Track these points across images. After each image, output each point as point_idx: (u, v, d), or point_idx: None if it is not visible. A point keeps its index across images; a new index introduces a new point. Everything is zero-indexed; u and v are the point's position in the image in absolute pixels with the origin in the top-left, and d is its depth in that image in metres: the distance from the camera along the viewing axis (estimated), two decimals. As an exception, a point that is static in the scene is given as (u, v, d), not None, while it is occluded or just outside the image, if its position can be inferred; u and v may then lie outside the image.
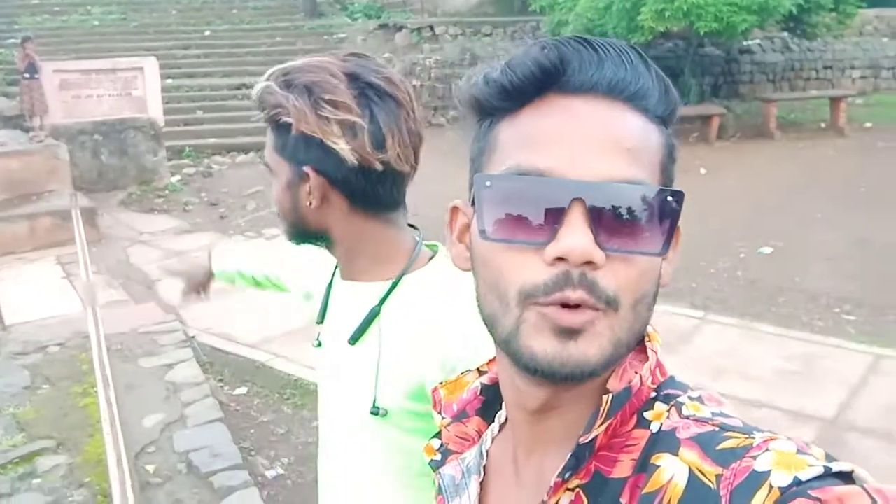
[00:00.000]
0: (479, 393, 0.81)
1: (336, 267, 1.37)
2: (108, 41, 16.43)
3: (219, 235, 9.20)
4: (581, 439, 0.64)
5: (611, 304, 0.62)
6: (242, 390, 5.33)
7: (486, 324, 0.68)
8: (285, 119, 1.19)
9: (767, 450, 0.57)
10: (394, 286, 1.23)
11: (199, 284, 2.02)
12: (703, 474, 0.58)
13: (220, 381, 5.43)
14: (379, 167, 1.19)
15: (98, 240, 8.80)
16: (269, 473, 4.18)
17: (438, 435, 0.83)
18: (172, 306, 6.85)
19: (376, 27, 17.26)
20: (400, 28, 16.62)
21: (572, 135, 0.64)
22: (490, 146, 0.69)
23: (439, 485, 0.80)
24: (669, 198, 0.64)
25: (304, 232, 1.28)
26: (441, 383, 0.85)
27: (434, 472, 0.81)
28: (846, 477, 0.55)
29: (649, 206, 0.63)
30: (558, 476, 0.64)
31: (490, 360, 0.81)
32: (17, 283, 7.29)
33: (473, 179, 0.68)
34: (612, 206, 0.62)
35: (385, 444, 1.22)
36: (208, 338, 6.16)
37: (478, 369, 0.84)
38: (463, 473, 0.78)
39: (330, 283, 1.38)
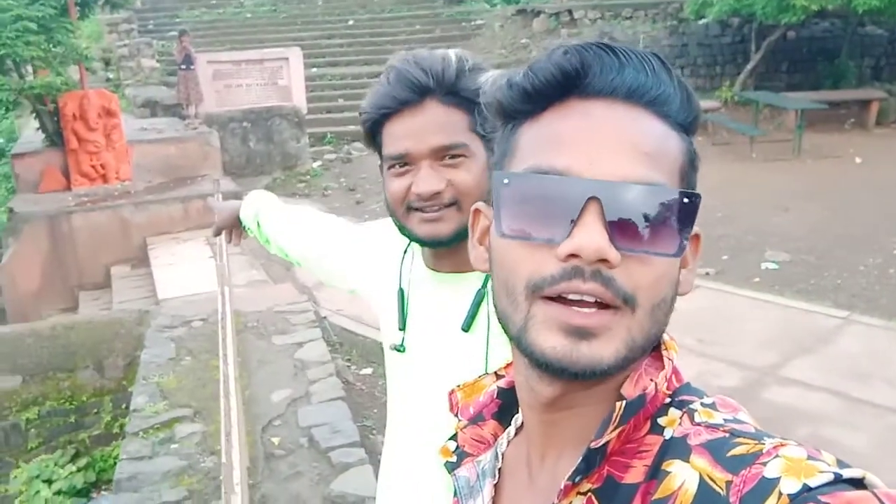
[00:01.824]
0: (495, 396, 0.82)
1: (401, 270, 1.37)
2: (260, 32, 17.28)
3: (355, 220, 9.50)
4: (592, 444, 0.64)
5: (629, 303, 0.63)
6: (368, 371, 5.52)
7: (500, 322, 0.69)
8: None
9: (777, 456, 0.57)
10: None
11: (230, 226, 1.96)
12: (713, 481, 0.59)
13: (348, 360, 5.65)
14: None
15: (244, 222, 9.31)
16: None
17: (455, 437, 0.84)
18: (307, 288, 7.17)
19: (514, 13, 17.18)
20: (538, 13, 16.46)
21: (591, 137, 0.65)
22: (511, 148, 0.70)
23: (454, 486, 0.81)
24: (686, 200, 0.64)
25: None
26: (458, 386, 0.85)
27: (449, 473, 0.82)
28: (857, 484, 0.54)
29: (666, 207, 0.63)
30: (568, 479, 0.65)
31: (507, 365, 0.81)
32: (171, 261, 7.84)
33: (492, 178, 0.69)
34: (629, 207, 0.62)
35: None
36: (339, 319, 6.41)
37: (495, 373, 0.84)
38: (478, 476, 0.79)
39: (401, 291, 1.36)
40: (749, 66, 14.16)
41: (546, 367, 0.64)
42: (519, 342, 0.66)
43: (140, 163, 9.68)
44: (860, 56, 14.87)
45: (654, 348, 0.70)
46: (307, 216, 1.79)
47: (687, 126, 0.69)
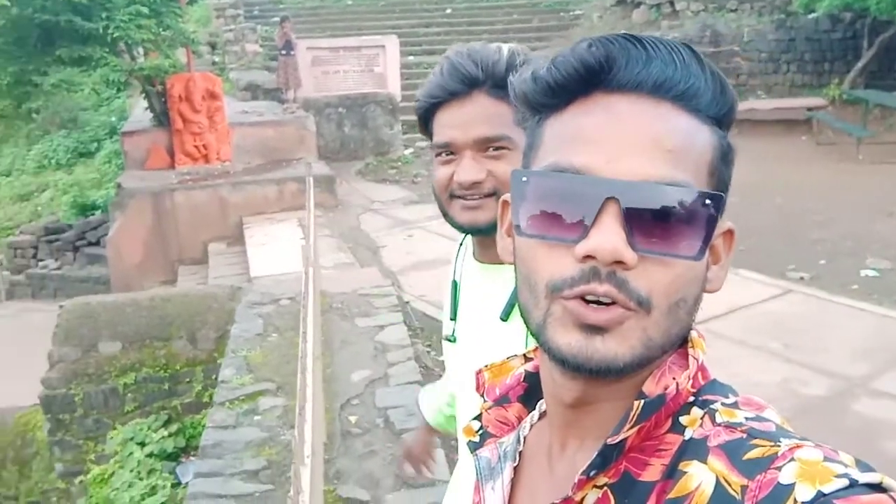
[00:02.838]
0: (522, 379, 0.82)
1: (456, 262, 1.43)
2: (359, 20, 17.56)
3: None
4: (609, 441, 0.64)
5: (643, 305, 0.62)
6: (447, 357, 5.60)
7: (521, 315, 0.70)
8: None
9: (792, 459, 0.56)
10: None
11: (420, 452, 1.85)
12: (729, 484, 0.58)
13: (428, 346, 5.74)
14: None
15: (335, 206, 9.55)
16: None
17: (479, 417, 0.83)
18: (392, 272, 7.31)
19: (613, 3, 16.87)
20: (638, 4, 16.13)
21: (612, 134, 0.64)
22: (536, 142, 0.70)
23: (476, 466, 0.81)
24: (708, 201, 0.62)
25: None
26: (486, 366, 0.85)
27: (472, 453, 0.82)
28: (876, 488, 0.53)
29: (686, 208, 0.62)
30: (583, 473, 0.64)
31: (536, 348, 0.78)
32: (264, 240, 8.11)
33: (511, 175, 0.69)
34: (648, 207, 0.61)
35: None
36: (422, 304, 6.50)
37: (524, 355, 0.84)
38: (499, 457, 0.79)
39: (454, 283, 1.42)
40: (860, 64, 13.50)
41: (564, 363, 0.64)
42: (538, 337, 0.67)
43: (240, 144, 10.04)
44: (984, 55, 13.96)
45: (680, 345, 0.69)
46: None
47: (720, 119, 0.67)
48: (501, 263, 1.32)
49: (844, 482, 0.53)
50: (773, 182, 9.23)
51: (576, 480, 0.65)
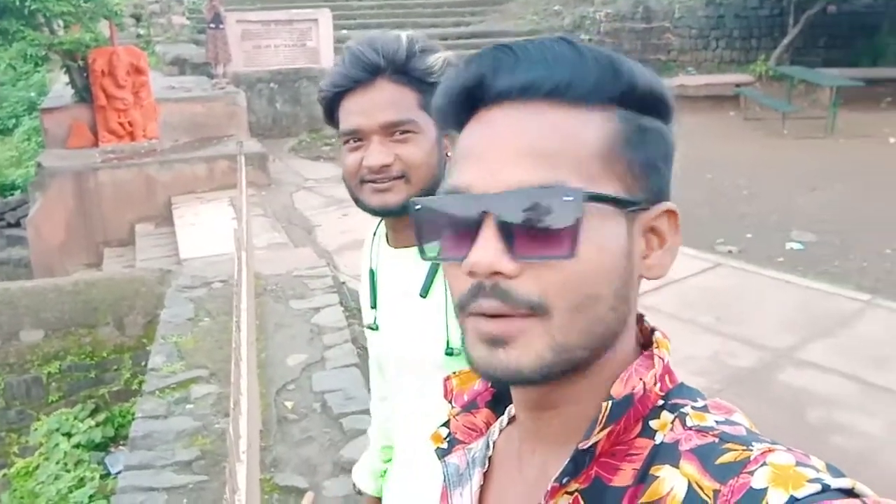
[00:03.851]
0: (490, 385, 0.82)
1: (371, 251, 1.46)
2: (290, -8, 17.16)
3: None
4: (580, 445, 0.64)
5: (537, 310, 0.62)
6: (384, 337, 5.56)
7: None
8: None
9: (764, 464, 0.56)
10: None
11: None
12: (701, 489, 0.58)
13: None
14: None
15: (268, 184, 9.36)
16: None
17: (447, 424, 0.84)
18: (327, 252, 7.21)
19: (548, -22, 16.89)
20: (572, -20, 16.18)
21: (489, 147, 0.65)
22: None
23: (444, 473, 0.81)
24: (569, 198, 0.61)
25: (433, 190, 1.31)
26: (454, 373, 0.86)
27: (440, 460, 0.82)
28: (848, 493, 0.53)
29: (554, 209, 0.61)
30: (556, 481, 0.64)
31: None
32: (194, 221, 7.91)
33: (409, 203, 0.71)
34: (519, 215, 0.62)
35: None
36: (358, 284, 6.42)
37: None
38: (468, 464, 0.79)
39: (371, 271, 1.45)
40: (786, 41, 13.86)
41: (478, 374, 0.66)
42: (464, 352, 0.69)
43: (167, 121, 9.74)
44: (901, 32, 14.47)
45: (646, 347, 0.70)
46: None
47: (621, 100, 0.66)
48: (413, 246, 1.34)
49: (817, 487, 0.53)
50: (703, 157, 9.40)
51: (548, 488, 0.64)
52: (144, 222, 8.44)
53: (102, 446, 5.27)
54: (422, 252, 0.69)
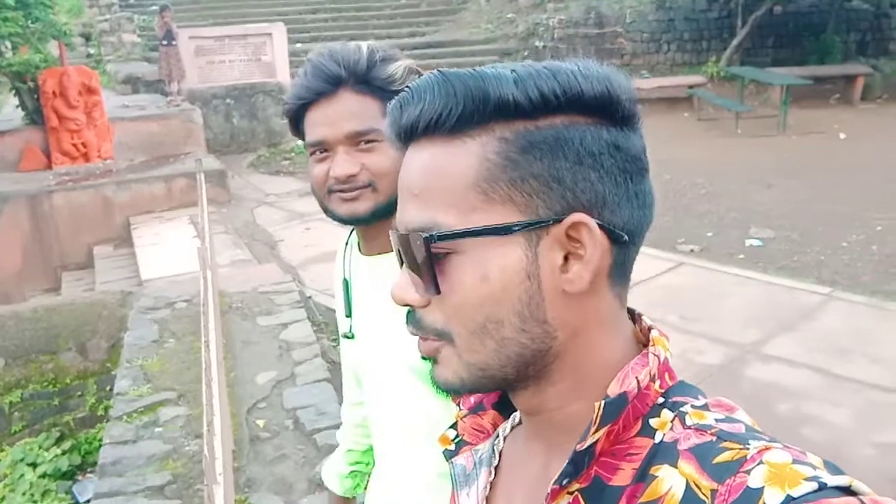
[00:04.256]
0: None
1: (344, 260, 1.48)
2: (242, 7, 17.03)
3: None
4: (578, 447, 0.64)
5: (443, 336, 0.68)
6: (353, 351, 5.52)
7: None
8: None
9: (761, 462, 0.56)
10: None
11: None
12: (699, 488, 0.58)
13: (333, 341, 5.63)
14: None
15: (228, 201, 9.26)
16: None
17: (455, 426, 0.84)
18: (292, 267, 7.15)
19: (500, -13, 17.02)
20: (524, -13, 16.32)
21: (398, 189, 0.70)
22: None
23: (451, 474, 0.82)
24: (419, 241, 0.65)
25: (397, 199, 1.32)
26: None
27: (447, 461, 0.83)
28: (845, 491, 0.54)
29: (413, 250, 0.66)
30: (555, 483, 0.65)
31: None
32: (154, 241, 7.78)
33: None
34: (404, 255, 0.68)
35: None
36: (324, 298, 6.38)
37: None
38: (475, 464, 0.80)
39: (345, 280, 1.46)
40: (735, 42, 14.14)
41: None
42: None
43: (122, 141, 9.58)
44: (846, 31, 14.86)
45: (643, 345, 0.70)
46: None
47: (500, 116, 0.63)
48: (386, 253, 1.37)
49: (814, 485, 0.53)
50: (660, 158, 9.49)
51: (549, 490, 0.65)
52: (103, 244, 8.28)
53: (69, 475, 5.15)
54: None
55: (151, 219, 8.45)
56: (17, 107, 9.33)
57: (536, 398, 0.69)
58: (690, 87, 13.17)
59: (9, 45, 9.25)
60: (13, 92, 9.29)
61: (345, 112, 1.28)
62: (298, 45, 14.94)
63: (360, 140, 1.28)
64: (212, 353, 2.57)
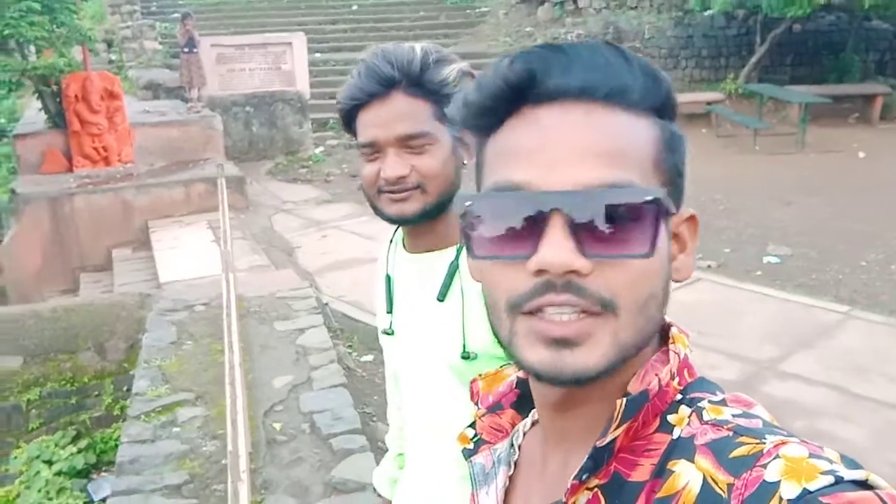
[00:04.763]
0: (514, 386, 0.83)
1: (388, 257, 1.48)
2: (263, 16, 17.20)
3: (356, 206, 9.50)
4: (598, 443, 0.64)
5: (608, 307, 0.62)
6: (369, 357, 5.53)
7: (493, 333, 0.70)
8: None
9: (777, 456, 0.56)
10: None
11: None
12: (715, 483, 0.58)
13: (349, 347, 5.66)
14: None
15: (246, 207, 9.32)
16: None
17: (473, 425, 0.85)
18: (309, 273, 7.18)
19: (518, 1, 17.10)
20: (542, 1, 16.38)
21: (546, 145, 0.64)
22: (481, 163, 0.71)
23: (470, 473, 0.82)
24: (649, 197, 0.62)
25: (449, 198, 1.33)
26: (480, 375, 0.86)
27: (466, 460, 0.83)
28: (861, 485, 0.53)
29: (630, 207, 0.62)
30: (575, 478, 0.65)
31: None
32: (173, 244, 7.83)
33: (455, 199, 0.69)
34: (592, 213, 0.61)
35: None
36: (341, 305, 6.42)
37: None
38: (493, 463, 0.80)
39: (387, 277, 1.47)
40: (754, 59, 14.12)
41: (537, 377, 0.65)
42: (509, 355, 0.67)
43: (142, 145, 9.67)
44: (865, 50, 14.82)
45: (661, 343, 0.70)
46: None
47: (659, 109, 0.68)
48: (430, 251, 1.39)
49: (830, 479, 0.53)
50: (678, 174, 9.50)
51: (568, 486, 0.65)
52: (121, 247, 8.35)
53: (84, 473, 5.17)
54: (470, 250, 0.67)
55: (170, 223, 8.51)
56: (40, 110, 9.44)
57: (588, 390, 0.67)
58: (709, 103, 13.15)
59: (33, 48, 9.36)
60: (36, 95, 9.40)
61: (397, 114, 1.28)
62: (318, 55, 15.07)
63: (410, 142, 1.28)
64: (235, 354, 2.59)
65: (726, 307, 6.13)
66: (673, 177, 0.67)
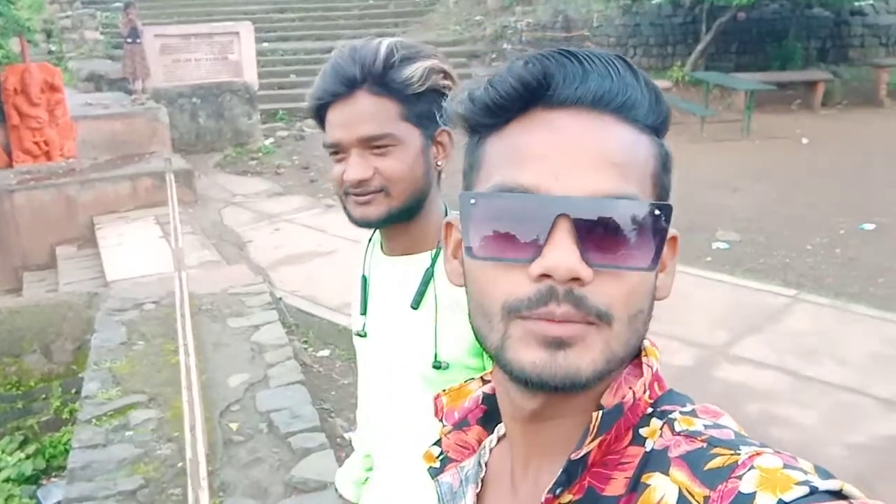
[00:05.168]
0: (480, 402, 0.81)
1: (365, 257, 1.46)
2: (208, 5, 16.85)
3: (308, 199, 9.40)
4: (572, 455, 0.64)
5: (603, 319, 0.62)
6: (325, 352, 5.48)
7: (476, 338, 0.68)
8: (441, 83, 1.27)
9: (752, 467, 0.56)
10: (440, 250, 1.29)
11: None
12: (692, 496, 0.58)
13: (305, 342, 5.60)
14: None
15: (194, 201, 9.14)
16: (347, 435, 4.29)
17: (439, 443, 0.83)
18: (261, 268, 7.08)
19: (468, -11, 17.06)
20: (492, -10, 16.38)
21: (557, 150, 0.63)
22: (478, 162, 0.69)
23: (437, 492, 0.80)
24: (657, 212, 0.63)
25: (418, 201, 1.30)
26: (444, 391, 0.85)
27: (433, 479, 0.82)
28: (836, 495, 0.54)
29: (637, 220, 0.62)
30: (549, 492, 0.64)
31: (491, 370, 0.79)
32: (120, 241, 7.64)
33: (459, 197, 0.68)
34: (599, 222, 0.61)
35: None
36: (295, 300, 6.34)
37: (481, 378, 0.83)
38: (461, 482, 0.79)
39: (363, 277, 1.45)
40: (700, 47, 14.33)
41: (526, 382, 0.63)
42: (497, 359, 0.66)
43: (85, 139, 9.40)
44: (806, 38, 15.15)
45: (634, 355, 0.70)
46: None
47: (657, 128, 0.68)
48: (408, 254, 1.36)
49: (805, 490, 0.53)
50: (628, 162, 9.61)
51: (542, 500, 0.65)
52: (66, 244, 8.12)
53: (33, 479, 5.03)
54: (469, 251, 0.66)
55: (116, 219, 8.30)
56: (-24, 104, 9.11)
57: (564, 402, 0.66)
58: (656, 91, 13.30)
59: (-32, 40, 9.02)
60: (-28, 88, 9.06)
61: (360, 114, 1.25)
62: (266, 44, 14.83)
63: (374, 144, 1.26)
64: (191, 357, 2.52)
65: (678, 293, 6.08)
66: (665, 195, 0.68)
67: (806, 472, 0.55)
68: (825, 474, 0.56)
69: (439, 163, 1.30)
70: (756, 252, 7.06)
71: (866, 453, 4.05)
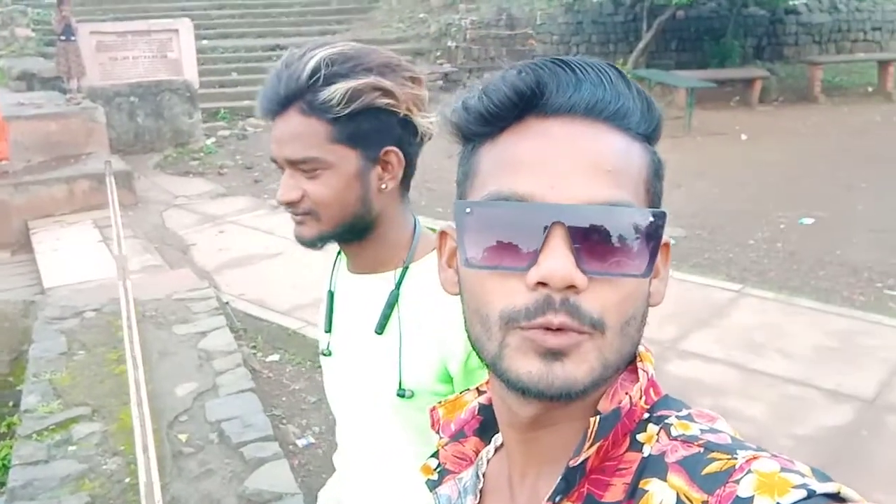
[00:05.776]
0: (476, 413, 0.81)
1: (333, 272, 1.40)
2: (144, 1, 16.42)
3: (253, 200, 9.23)
4: (571, 462, 0.64)
5: (597, 327, 0.62)
6: (275, 357, 5.37)
7: (473, 347, 0.68)
8: (380, 102, 1.16)
9: (750, 471, 0.57)
10: (405, 270, 1.26)
11: None
12: (689, 501, 0.58)
13: (254, 347, 5.48)
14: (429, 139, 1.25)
15: (134, 203, 8.89)
16: (300, 442, 4.22)
17: (436, 455, 0.83)
18: (207, 272, 6.91)
19: (411, -13, 16.99)
20: (435, -12, 16.35)
21: (551, 158, 0.64)
22: (472, 171, 0.70)
23: None
24: (652, 219, 0.63)
25: (358, 225, 1.23)
26: (440, 402, 0.84)
27: (431, 492, 0.81)
28: (834, 497, 0.54)
29: (632, 227, 0.63)
30: (548, 500, 0.64)
31: (489, 380, 0.79)
32: (56, 246, 7.38)
33: (454, 206, 0.68)
34: (594, 229, 0.62)
35: (407, 423, 1.25)
36: (242, 304, 6.20)
37: (477, 388, 0.83)
38: (459, 493, 0.79)
39: (330, 293, 1.39)
40: (641, 45, 14.53)
41: (523, 391, 0.63)
42: (494, 368, 0.65)
43: (18, 140, 9.04)
44: (744, 36, 15.51)
45: (629, 361, 0.70)
46: None
47: (649, 136, 0.69)
48: (372, 273, 1.30)
49: (802, 493, 0.54)
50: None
51: None
52: (-1, 250, 7.82)
53: (-31, 499, 4.81)
54: (464, 260, 0.66)
55: (52, 223, 8.03)
56: None
57: (561, 409, 0.66)
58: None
59: None
60: None
61: (290, 134, 1.18)
62: (205, 41, 14.53)
63: (300, 166, 1.19)
64: (140, 370, 2.42)
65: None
66: (658, 202, 0.69)
67: (803, 475, 0.56)
68: (822, 477, 0.56)
69: (384, 185, 1.22)
70: (701, 247, 7.18)
71: (813, 444, 4.15)
